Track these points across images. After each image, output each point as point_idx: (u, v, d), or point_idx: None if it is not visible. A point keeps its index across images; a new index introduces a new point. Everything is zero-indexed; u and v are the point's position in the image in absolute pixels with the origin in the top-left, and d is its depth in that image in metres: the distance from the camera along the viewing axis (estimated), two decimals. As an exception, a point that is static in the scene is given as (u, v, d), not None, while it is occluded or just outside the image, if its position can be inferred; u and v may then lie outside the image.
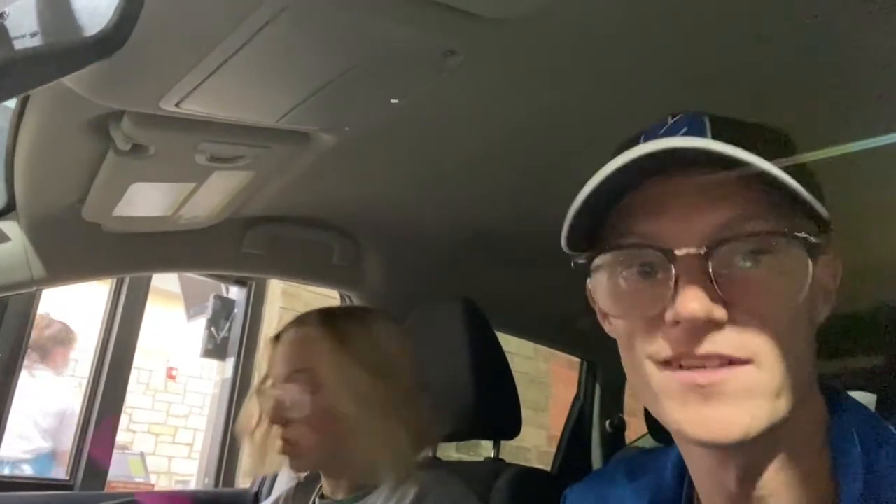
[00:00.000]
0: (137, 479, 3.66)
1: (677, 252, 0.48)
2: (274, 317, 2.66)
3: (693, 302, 0.46)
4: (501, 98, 0.79)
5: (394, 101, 0.75)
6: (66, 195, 0.96)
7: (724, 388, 0.47)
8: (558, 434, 2.11)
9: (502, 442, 1.21)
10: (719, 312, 0.47)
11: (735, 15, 0.64)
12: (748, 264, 0.48)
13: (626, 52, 0.69)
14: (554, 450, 2.08)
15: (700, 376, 0.47)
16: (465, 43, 0.64)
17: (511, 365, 1.15)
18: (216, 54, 0.62)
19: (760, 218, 0.48)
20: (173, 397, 5.67)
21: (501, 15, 0.61)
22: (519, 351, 3.23)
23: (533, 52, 0.69)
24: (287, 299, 2.72)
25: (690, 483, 0.57)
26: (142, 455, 4.08)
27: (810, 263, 0.47)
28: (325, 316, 1.02)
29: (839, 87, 0.75)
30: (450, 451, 2.32)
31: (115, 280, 2.15)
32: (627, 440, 2.09)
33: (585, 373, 2.08)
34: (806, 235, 0.47)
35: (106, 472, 2.02)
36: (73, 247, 1.04)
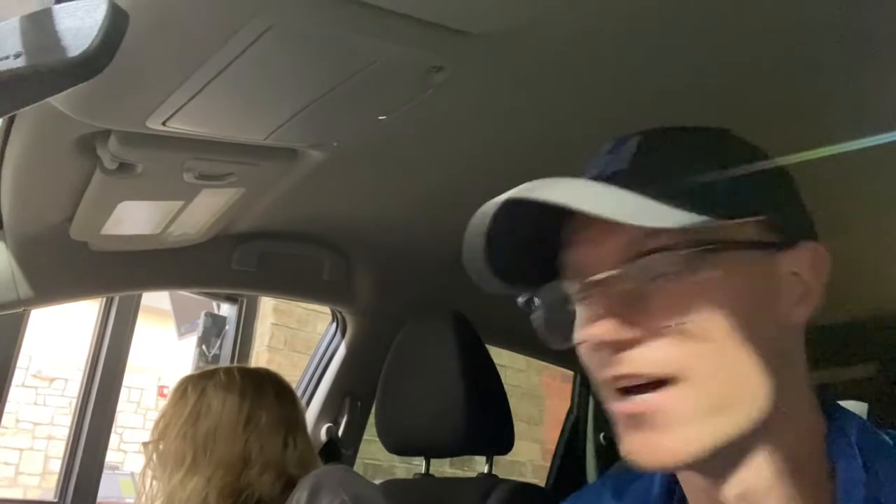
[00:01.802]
0: (128, 500, 3.62)
1: (590, 278, 0.48)
2: (265, 333, 2.65)
3: (594, 327, 0.47)
4: (488, 113, 0.79)
5: (381, 117, 0.75)
6: (53, 214, 0.96)
7: (654, 418, 0.46)
8: (553, 448, 2.10)
9: (497, 457, 1.21)
10: (626, 332, 0.46)
11: (722, 30, 0.64)
12: (660, 280, 0.47)
13: (611, 66, 0.70)
14: (549, 464, 2.07)
15: (628, 407, 0.47)
16: (451, 59, 0.65)
17: (503, 378, 1.15)
18: (202, 73, 0.62)
19: (670, 232, 0.46)
20: (165, 415, 5.61)
21: (487, 31, 0.61)
22: (511, 364, 3.23)
23: (519, 67, 0.69)
24: (278, 315, 2.71)
25: (681, 500, 0.57)
26: (132, 475, 4.04)
27: (751, 266, 0.48)
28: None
29: (830, 105, 0.75)
30: (443, 467, 2.31)
31: (104, 298, 2.13)
32: (622, 453, 2.08)
33: (579, 385, 2.08)
34: (733, 239, 0.47)
35: (95, 493, 1.99)
36: (61, 266, 1.03)
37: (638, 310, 0.47)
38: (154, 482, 1.05)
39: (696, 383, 0.46)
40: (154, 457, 1.06)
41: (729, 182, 0.49)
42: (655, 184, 0.47)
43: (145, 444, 1.07)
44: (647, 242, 0.47)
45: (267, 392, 1.09)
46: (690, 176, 0.49)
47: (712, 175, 0.49)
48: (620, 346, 0.47)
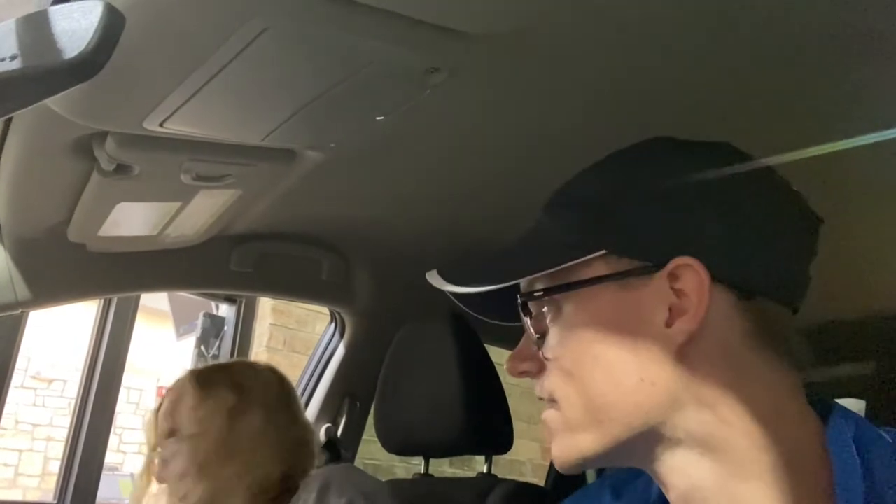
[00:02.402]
0: (127, 501, 3.62)
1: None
2: (264, 334, 2.65)
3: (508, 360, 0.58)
4: (486, 115, 0.79)
5: (378, 118, 0.75)
6: (50, 216, 0.95)
7: (549, 430, 0.56)
8: (552, 447, 2.10)
9: (496, 456, 1.21)
10: (523, 366, 0.57)
11: (723, 31, 0.64)
12: (543, 321, 0.56)
13: (610, 69, 0.70)
14: (548, 463, 2.07)
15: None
16: (448, 60, 0.65)
17: (502, 378, 1.15)
18: (199, 74, 0.62)
19: (536, 280, 0.56)
20: (164, 416, 5.61)
21: (485, 32, 0.61)
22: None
23: (517, 69, 0.69)
24: (277, 316, 2.71)
25: None
26: (132, 476, 4.04)
27: (611, 297, 0.52)
28: (189, 376, 1.10)
29: (826, 107, 0.76)
30: (443, 467, 2.31)
31: (103, 299, 2.13)
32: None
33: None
34: (577, 279, 0.53)
35: (95, 494, 1.99)
36: (59, 268, 1.03)
37: (539, 346, 0.56)
38: (180, 477, 1.01)
39: (564, 406, 0.54)
40: (187, 451, 1.02)
41: (563, 228, 0.56)
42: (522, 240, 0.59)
43: (181, 437, 1.03)
44: (524, 293, 0.57)
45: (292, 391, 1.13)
46: (545, 227, 0.57)
47: (548, 225, 0.57)
48: (533, 375, 0.57)
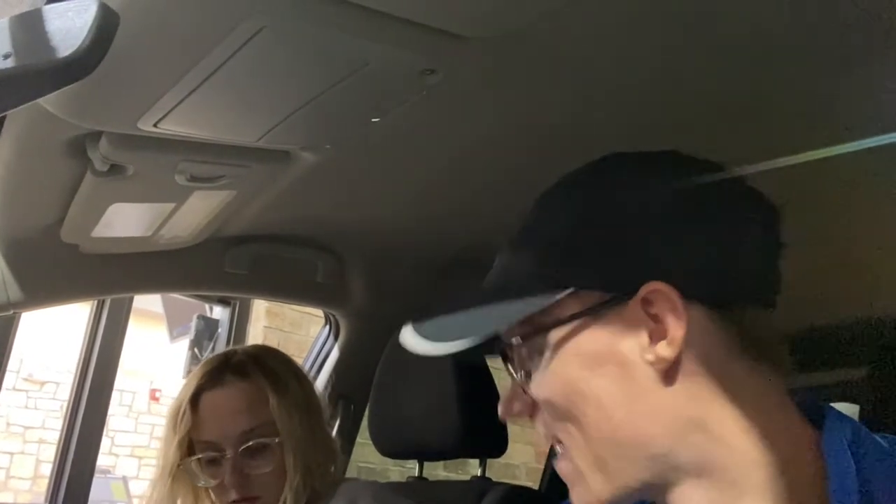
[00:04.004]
0: (119, 504, 3.60)
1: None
2: (258, 336, 2.65)
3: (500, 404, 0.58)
4: (482, 116, 0.79)
5: (374, 119, 0.75)
6: (43, 216, 0.95)
7: (563, 476, 0.55)
8: (547, 450, 2.10)
9: (490, 460, 1.20)
10: (515, 408, 0.56)
11: (718, 32, 0.64)
12: (527, 365, 0.55)
13: (604, 71, 0.70)
14: (542, 467, 2.07)
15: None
16: (444, 62, 0.65)
17: (497, 381, 1.14)
18: (195, 74, 0.62)
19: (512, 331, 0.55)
20: (157, 419, 5.59)
21: (480, 34, 0.61)
22: (503, 366, 3.22)
23: (512, 70, 0.69)
24: (271, 318, 2.70)
25: None
26: (124, 479, 4.02)
27: (587, 333, 0.51)
28: (255, 362, 0.98)
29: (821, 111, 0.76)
30: (437, 470, 2.30)
31: (96, 301, 2.12)
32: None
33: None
34: (553, 321, 0.52)
35: (87, 497, 1.98)
36: (51, 269, 1.02)
37: (527, 386, 0.55)
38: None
39: (571, 451, 0.53)
40: (260, 445, 0.92)
41: (529, 269, 0.55)
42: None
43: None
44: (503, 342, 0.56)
45: None
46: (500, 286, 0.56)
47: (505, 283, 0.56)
48: (528, 416, 0.56)
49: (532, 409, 0.55)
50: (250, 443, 0.92)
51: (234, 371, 0.96)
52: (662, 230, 0.51)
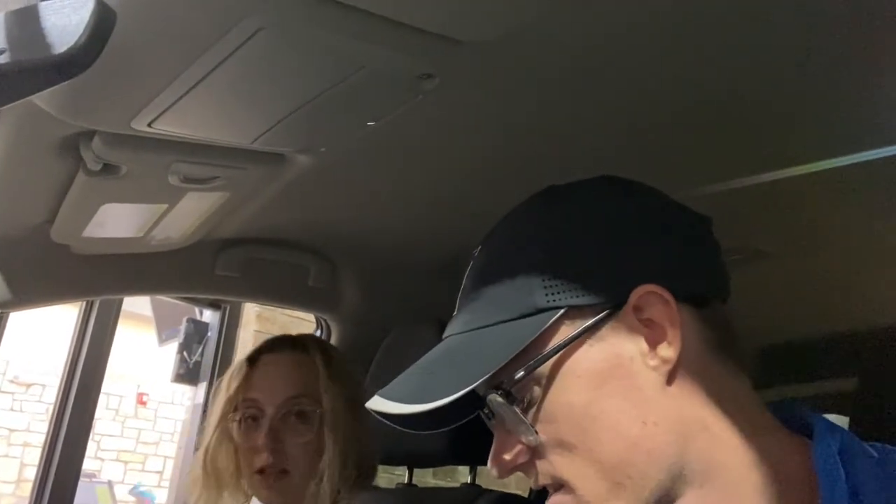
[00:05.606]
0: (105, 509, 3.57)
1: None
2: (248, 340, 2.63)
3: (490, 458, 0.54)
4: (478, 121, 0.79)
5: (370, 123, 0.75)
6: (34, 215, 0.94)
7: None
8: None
9: (481, 467, 1.20)
10: (510, 460, 0.53)
11: (716, 37, 0.64)
12: (501, 410, 0.52)
13: (602, 75, 0.70)
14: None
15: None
16: (441, 66, 0.65)
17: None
18: (190, 74, 0.61)
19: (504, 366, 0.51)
20: (144, 423, 5.56)
21: (477, 39, 0.61)
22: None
23: (509, 75, 0.69)
24: (262, 323, 2.69)
25: None
26: (109, 483, 3.98)
27: (583, 354, 0.50)
28: (316, 341, 1.06)
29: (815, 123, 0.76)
30: (427, 478, 2.30)
31: (84, 302, 2.10)
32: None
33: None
34: (545, 351, 0.50)
35: (71, 501, 1.96)
36: (41, 269, 1.02)
37: (521, 432, 0.51)
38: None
39: (579, 485, 0.50)
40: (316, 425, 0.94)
41: (514, 296, 0.52)
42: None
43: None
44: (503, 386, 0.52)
45: None
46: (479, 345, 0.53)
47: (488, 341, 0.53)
48: (526, 466, 0.52)
49: (530, 455, 0.52)
50: (292, 408, 0.95)
51: (294, 344, 1.03)
52: (638, 237, 0.53)
